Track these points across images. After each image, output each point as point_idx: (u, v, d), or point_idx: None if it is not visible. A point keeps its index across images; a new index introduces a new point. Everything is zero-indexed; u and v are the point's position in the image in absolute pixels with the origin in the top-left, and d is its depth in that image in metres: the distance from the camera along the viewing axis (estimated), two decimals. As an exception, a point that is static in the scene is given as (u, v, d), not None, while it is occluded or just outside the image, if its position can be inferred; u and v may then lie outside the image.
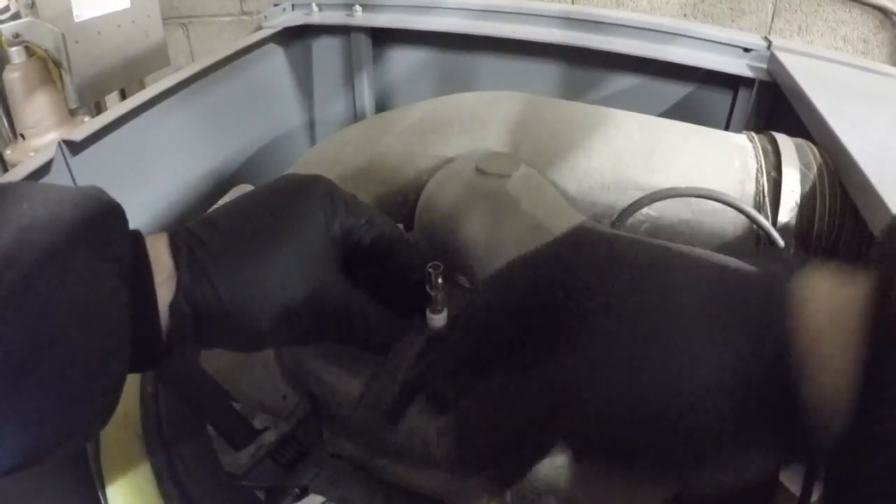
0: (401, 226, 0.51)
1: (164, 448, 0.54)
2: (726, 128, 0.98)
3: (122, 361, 0.36)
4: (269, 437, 0.48)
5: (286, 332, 0.42)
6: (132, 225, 0.40)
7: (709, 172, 0.59)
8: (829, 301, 0.26)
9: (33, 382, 0.31)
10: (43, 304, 0.32)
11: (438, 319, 0.47)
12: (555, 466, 0.50)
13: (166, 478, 0.52)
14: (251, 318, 0.41)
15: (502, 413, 0.32)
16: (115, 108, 0.80)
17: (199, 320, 0.40)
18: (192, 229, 0.42)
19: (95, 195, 0.38)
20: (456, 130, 0.64)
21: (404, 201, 0.62)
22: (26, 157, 0.98)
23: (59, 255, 0.33)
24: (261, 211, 0.45)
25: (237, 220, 0.44)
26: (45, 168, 0.70)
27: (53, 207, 0.35)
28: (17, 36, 1.16)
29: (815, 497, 0.42)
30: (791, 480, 0.50)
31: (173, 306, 0.39)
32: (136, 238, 0.40)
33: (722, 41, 0.94)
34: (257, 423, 0.49)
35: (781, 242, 0.55)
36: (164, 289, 0.39)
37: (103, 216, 0.37)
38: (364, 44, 1.11)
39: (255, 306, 0.41)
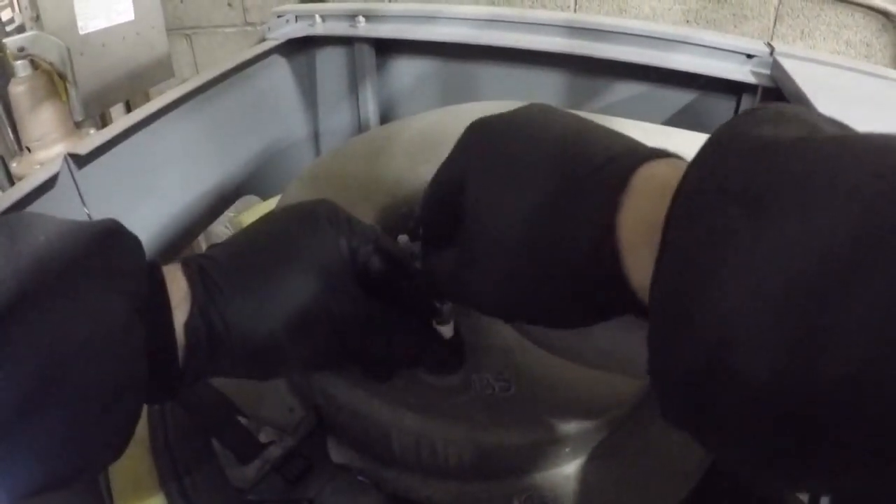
0: (406, 237, 0.51)
1: (172, 462, 0.54)
2: (730, 134, 0.98)
3: (138, 395, 0.36)
4: (275, 452, 0.48)
5: (304, 347, 0.42)
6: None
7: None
8: (657, 182, 0.28)
9: (48, 415, 0.31)
10: (57, 337, 0.32)
11: (447, 330, 0.48)
12: (563, 475, 0.50)
13: (174, 492, 0.52)
14: (268, 332, 0.40)
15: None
16: (120, 120, 0.80)
17: (214, 339, 0.39)
18: (204, 253, 0.43)
19: (112, 228, 0.38)
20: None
21: (409, 213, 0.62)
22: (32, 170, 0.98)
23: (74, 289, 0.33)
24: (270, 231, 0.45)
25: (248, 240, 0.44)
26: (51, 182, 0.70)
27: (70, 241, 0.35)
28: (22, 49, 1.16)
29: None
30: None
31: (188, 325, 0.39)
32: (153, 269, 0.40)
33: (725, 48, 0.94)
34: (263, 437, 0.49)
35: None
36: (180, 311, 0.39)
37: (119, 249, 0.37)
38: (368, 54, 1.12)
39: (272, 319, 0.40)
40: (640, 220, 0.28)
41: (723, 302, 0.22)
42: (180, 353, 0.39)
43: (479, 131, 0.39)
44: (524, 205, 0.33)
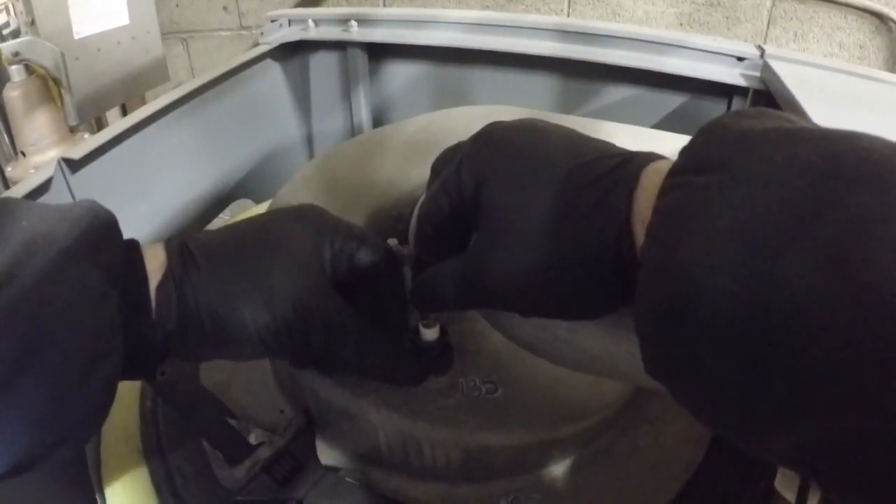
0: (396, 240, 0.52)
1: (163, 462, 0.54)
2: (721, 137, 0.98)
3: (114, 363, 0.37)
4: (265, 452, 0.49)
5: (268, 337, 0.43)
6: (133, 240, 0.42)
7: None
8: (662, 175, 0.30)
9: (26, 384, 0.32)
10: (36, 308, 0.33)
11: (430, 333, 0.48)
12: (550, 478, 0.50)
13: (165, 492, 0.52)
14: (234, 316, 0.42)
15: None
16: (114, 125, 0.81)
17: (183, 309, 0.41)
18: (191, 234, 0.45)
19: (90, 207, 0.40)
20: (451, 145, 0.65)
21: (399, 216, 0.63)
22: (27, 175, 0.99)
23: (53, 264, 0.35)
24: (256, 227, 0.46)
25: (233, 231, 0.46)
26: (44, 186, 0.70)
27: (51, 224, 0.37)
28: (16, 55, 1.17)
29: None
30: (787, 488, 0.50)
31: (160, 288, 0.41)
32: (132, 245, 0.42)
33: (715, 51, 0.94)
34: (253, 439, 0.50)
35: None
36: (155, 279, 0.41)
37: (97, 228, 0.39)
38: (360, 59, 1.12)
39: (239, 305, 0.42)
40: (649, 206, 0.30)
41: (695, 243, 0.26)
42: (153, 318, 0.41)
43: (492, 137, 0.40)
44: (548, 202, 0.35)
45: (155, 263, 0.41)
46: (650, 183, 0.32)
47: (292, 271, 0.43)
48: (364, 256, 0.47)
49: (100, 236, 0.39)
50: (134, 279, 0.40)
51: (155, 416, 0.58)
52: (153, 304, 0.40)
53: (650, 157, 0.34)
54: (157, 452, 0.55)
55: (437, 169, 0.45)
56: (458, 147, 0.43)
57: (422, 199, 0.44)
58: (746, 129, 0.27)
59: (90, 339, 0.35)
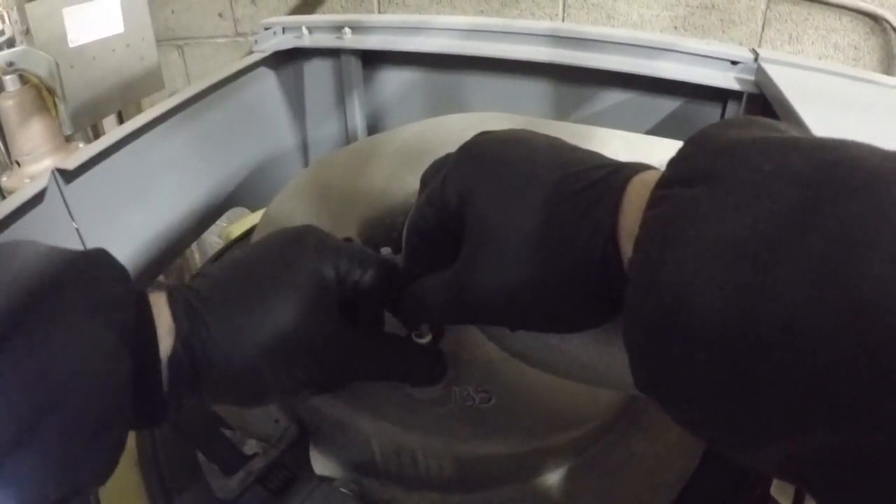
0: (389, 249, 0.52)
1: (159, 476, 0.54)
2: (716, 141, 0.98)
3: (124, 421, 0.36)
4: (259, 463, 0.49)
5: (284, 376, 0.42)
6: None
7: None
8: (649, 186, 0.30)
9: (37, 443, 0.31)
10: (46, 367, 0.32)
11: (424, 343, 0.48)
12: (545, 486, 0.50)
13: (161, 503, 0.52)
14: (247, 362, 0.40)
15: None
16: (108, 135, 0.81)
17: (197, 373, 0.40)
18: (187, 284, 0.43)
19: (100, 258, 0.39)
20: (443, 153, 0.64)
21: (392, 224, 0.63)
22: (22, 184, 0.99)
23: (62, 319, 0.34)
24: (254, 259, 0.45)
25: (230, 270, 0.44)
26: (38, 197, 0.70)
27: (57, 272, 0.35)
28: (11, 64, 1.17)
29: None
30: (782, 494, 0.50)
31: (172, 359, 0.39)
32: (140, 299, 0.40)
33: (709, 55, 0.94)
34: (247, 449, 0.50)
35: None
36: (164, 344, 0.39)
37: (107, 280, 0.38)
38: (354, 66, 1.12)
39: (251, 350, 0.40)
40: (635, 219, 0.30)
41: (683, 256, 0.25)
42: (164, 382, 0.39)
43: (477, 150, 0.40)
44: (533, 216, 0.35)
45: (162, 329, 0.39)
46: (637, 195, 0.32)
47: (299, 311, 0.42)
48: (368, 279, 0.46)
49: (110, 291, 0.37)
50: (144, 340, 0.39)
51: (152, 429, 0.58)
52: (166, 374, 0.39)
53: (637, 168, 0.34)
54: (152, 464, 0.55)
55: (425, 181, 0.44)
56: (445, 159, 0.43)
57: (412, 210, 0.44)
58: (734, 139, 0.27)
59: (102, 401, 0.34)
